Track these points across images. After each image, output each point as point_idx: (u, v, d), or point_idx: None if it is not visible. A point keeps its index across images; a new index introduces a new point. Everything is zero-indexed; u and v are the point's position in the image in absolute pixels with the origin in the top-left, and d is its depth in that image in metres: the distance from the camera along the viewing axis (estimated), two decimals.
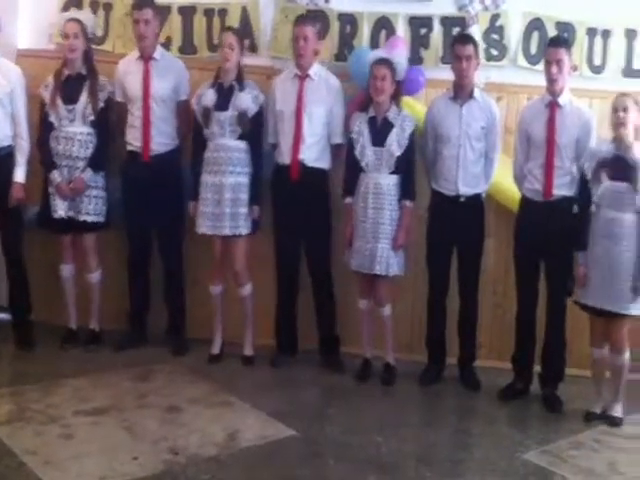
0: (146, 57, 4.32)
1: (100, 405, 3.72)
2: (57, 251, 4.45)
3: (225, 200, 4.17)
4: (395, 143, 4.05)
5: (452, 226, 4.11)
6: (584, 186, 3.82)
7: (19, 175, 4.25)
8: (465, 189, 4.10)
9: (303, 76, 4.23)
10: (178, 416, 3.67)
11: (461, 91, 4.10)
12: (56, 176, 4.27)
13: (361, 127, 4.12)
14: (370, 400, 4.01)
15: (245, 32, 4.45)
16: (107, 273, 4.51)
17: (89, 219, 4.31)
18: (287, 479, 3.15)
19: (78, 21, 4.28)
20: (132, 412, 3.67)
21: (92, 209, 4.31)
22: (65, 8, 4.63)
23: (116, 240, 4.50)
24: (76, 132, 4.26)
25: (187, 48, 4.62)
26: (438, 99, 4.23)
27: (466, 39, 4.11)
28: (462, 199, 4.11)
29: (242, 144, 4.20)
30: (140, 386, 4.00)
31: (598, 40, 4.44)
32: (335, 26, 4.51)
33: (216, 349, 4.41)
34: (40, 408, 3.64)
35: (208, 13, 4.58)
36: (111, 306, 4.56)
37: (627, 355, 3.80)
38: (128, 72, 4.35)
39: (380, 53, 4.15)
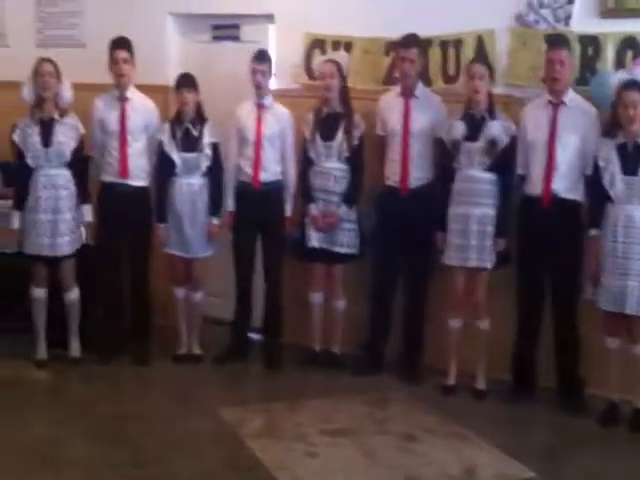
0: (407, 94, 4.46)
1: (341, 427, 3.89)
2: (306, 278, 4.70)
3: (471, 232, 4.19)
4: None
5: None
6: None
7: (289, 210, 4.62)
8: None
9: (557, 103, 4.11)
10: (414, 445, 3.73)
11: None
12: (313, 209, 4.54)
13: (609, 155, 3.92)
14: (616, 448, 3.80)
15: None
16: (350, 300, 4.68)
17: (342, 251, 4.53)
18: None
19: (335, 62, 4.51)
20: (370, 437, 3.80)
21: (346, 242, 4.53)
22: (309, 50, 4.90)
23: (360, 269, 4.65)
24: (332, 168, 4.50)
25: (422, 80, 4.61)
26: None
27: None
28: None
29: (490, 175, 4.20)
30: (377, 412, 4.12)
31: None
32: (576, 49, 4.31)
33: (451, 380, 4.42)
34: (288, 426, 3.89)
35: (444, 45, 4.61)
36: (351, 331, 4.72)
37: None
38: (389, 108, 4.51)
39: (624, 74, 3.95)
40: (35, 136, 4.40)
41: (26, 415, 3.97)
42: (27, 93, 4.44)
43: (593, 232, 4.01)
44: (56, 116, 4.45)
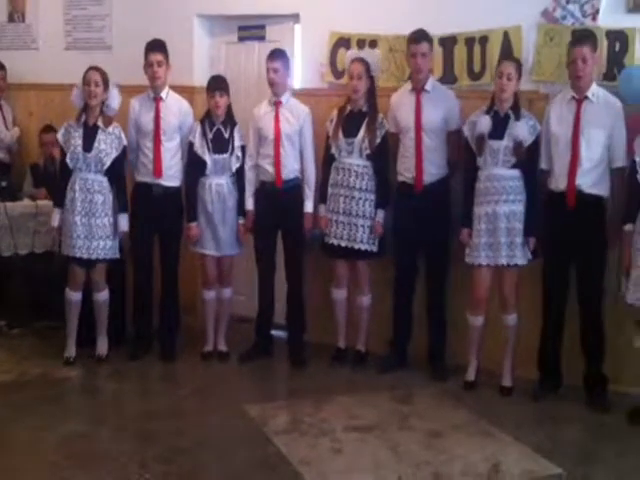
0: (418, 89, 4.46)
1: (366, 423, 3.90)
2: (329, 274, 4.73)
3: (500, 229, 4.18)
4: None
5: None
6: None
7: (309, 206, 4.63)
8: None
9: (580, 98, 4.09)
10: (440, 441, 3.73)
11: None
12: (322, 210, 4.59)
13: None
14: None
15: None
16: (376, 298, 4.70)
17: (363, 247, 4.55)
18: None
19: (363, 61, 4.49)
20: (396, 433, 3.80)
21: (366, 238, 4.53)
22: (334, 49, 4.89)
23: (387, 267, 4.66)
24: (353, 163, 4.52)
25: (447, 78, 4.66)
26: None
27: None
28: None
29: (515, 172, 4.18)
30: (402, 408, 4.13)
31: None
32: (603, 44, 4.28)
33: (471, 376, 4.41)
34: (313, 422, 3.91)
35: (469, 42, 4.59)
36: (377, 329, 4.74)
37: None
38: (401, 104, 4.52)
39: None
40: (77, 139, 4.46)
41: (55, 412, 4.02)
42: (76, 98, 4.52)
43: (628, 227, 3.97)
44: (100, 124, 4.50)
